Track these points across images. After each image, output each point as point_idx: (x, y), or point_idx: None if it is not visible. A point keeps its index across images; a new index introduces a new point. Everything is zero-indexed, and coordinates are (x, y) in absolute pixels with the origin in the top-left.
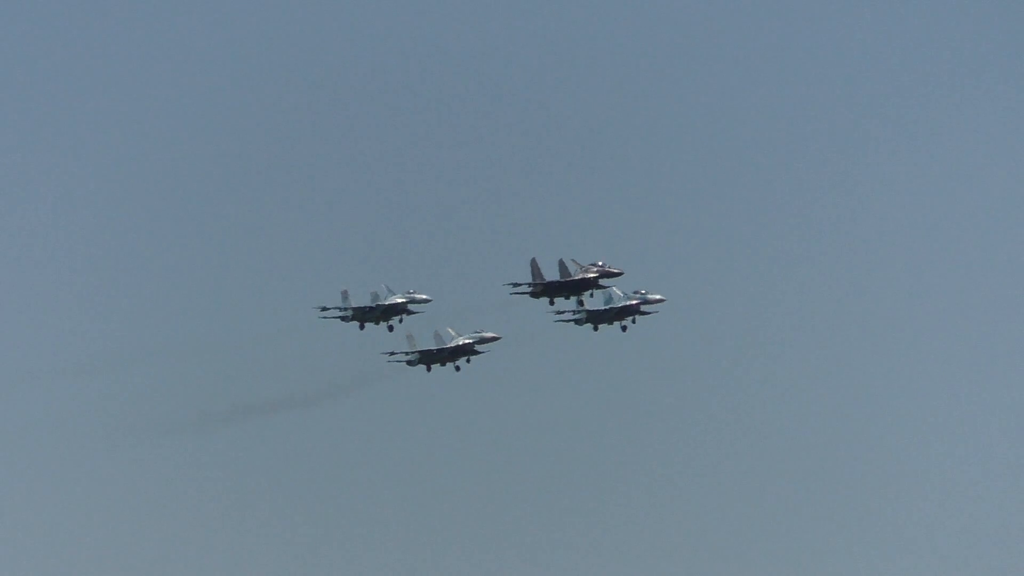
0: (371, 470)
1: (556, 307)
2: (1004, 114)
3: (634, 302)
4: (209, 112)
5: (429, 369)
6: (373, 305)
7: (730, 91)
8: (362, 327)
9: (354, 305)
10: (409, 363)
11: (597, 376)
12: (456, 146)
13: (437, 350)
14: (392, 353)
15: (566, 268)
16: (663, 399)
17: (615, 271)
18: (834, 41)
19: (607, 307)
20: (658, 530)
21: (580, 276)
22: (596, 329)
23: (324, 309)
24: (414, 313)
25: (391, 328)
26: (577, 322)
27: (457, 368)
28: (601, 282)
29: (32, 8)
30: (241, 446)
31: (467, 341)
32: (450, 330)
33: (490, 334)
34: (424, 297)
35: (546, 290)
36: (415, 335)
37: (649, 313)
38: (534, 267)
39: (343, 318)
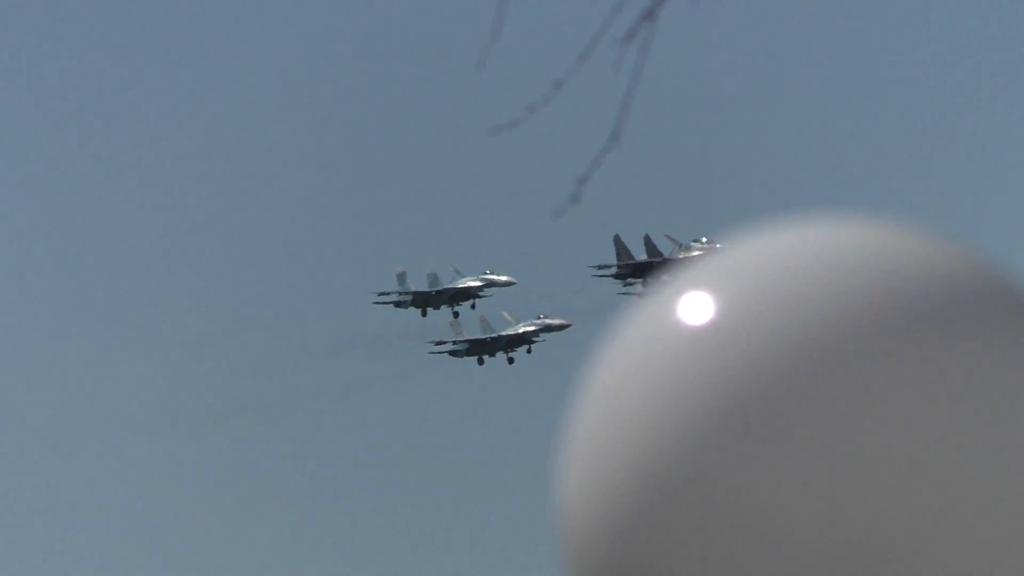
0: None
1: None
2: None
3: None
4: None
5: (481, 362)
6: (440, 289)
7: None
8: (424, 314)
9: (415, 289)
10: (453, 354)
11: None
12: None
13: (491, 339)
14: (439, 343)
15: (655, 246)
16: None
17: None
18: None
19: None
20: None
21: (682, 255)
22: None
23: (382, 294)
24: (484, 297)
25: (456, 315)
26: (642, 296)
27: (511, 360)
28: None
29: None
30: (259, 440)
31: (528, 329)
32: (506, 315)
33: (557, 320)
34: (506, 279)
35: (636, 271)
36: (461, 322)
37: None
38: (619, 245)
39: (399, 303)
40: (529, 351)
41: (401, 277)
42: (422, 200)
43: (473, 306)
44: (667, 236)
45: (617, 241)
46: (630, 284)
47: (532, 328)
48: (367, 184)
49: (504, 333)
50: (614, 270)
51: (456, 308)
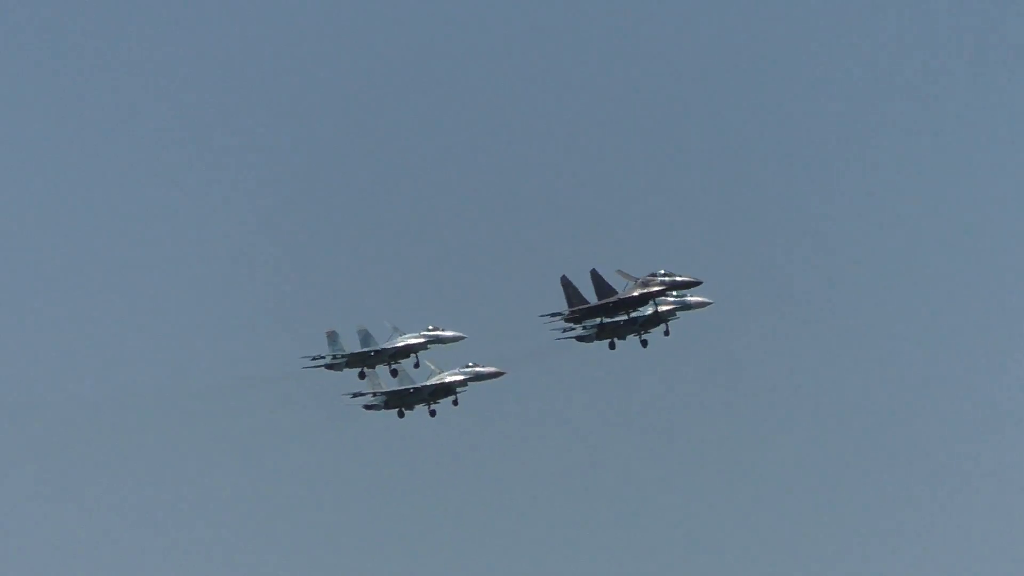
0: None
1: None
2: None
3: (666, 308)
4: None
5: (401, 415)
6: (379, 348)
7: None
8: (362, 376)
9: (348, 351)
10: (369, 407)
11: (609, 406)
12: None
13: (414, 390)
14: (356, 395)
15: (603, 281)
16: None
17: (687, 280)
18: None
19: (628, 318)
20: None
21: (639, 292)
22: (613, 347)
23: (315, 359)
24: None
25: (395, 373)
26: (581, 339)
27: (432, 413)
28: (668, 296)
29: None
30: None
31: (456, 378)
32: (430, 364)
33: (489, 368)
34: (453, 334)
35: (591, 314)
36: (378, 375)
37: (671, 320)
38: (567, 287)
39: (332, 366)
40: (455, 403)
41: (331, 338)
42: (346, 254)
43: (416, 364)
44: (618, 272)
45: (564, 283)
46: (572, 329)
47: (460, 377)
48: (292, 238)
49: (428, 383)
50: (566, 314)
51: (395, 366)
